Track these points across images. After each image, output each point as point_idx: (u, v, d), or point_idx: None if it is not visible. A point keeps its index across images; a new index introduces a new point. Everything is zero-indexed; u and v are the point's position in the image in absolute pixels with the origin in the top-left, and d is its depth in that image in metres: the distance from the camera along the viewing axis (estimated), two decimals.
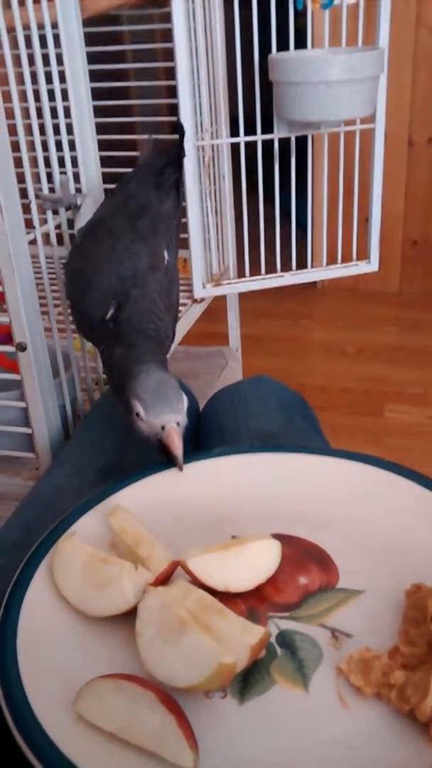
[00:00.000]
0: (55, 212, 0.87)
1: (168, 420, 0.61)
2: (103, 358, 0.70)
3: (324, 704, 0.45)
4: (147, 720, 0.42)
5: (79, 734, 0.43)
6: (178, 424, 0.61)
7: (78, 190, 0.89)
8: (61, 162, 0.85)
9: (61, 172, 0.86)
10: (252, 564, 0.53)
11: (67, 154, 0.85)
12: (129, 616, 0.49)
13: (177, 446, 0.61)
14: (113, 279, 0.69)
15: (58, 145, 0.85)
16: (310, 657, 0.48)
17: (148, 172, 0.80)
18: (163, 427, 0.61)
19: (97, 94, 0.93)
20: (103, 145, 0.98)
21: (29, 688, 0.45)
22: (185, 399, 0.62)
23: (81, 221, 0.84)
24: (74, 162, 0.87)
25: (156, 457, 0.63)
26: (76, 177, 0.88)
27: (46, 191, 0.85)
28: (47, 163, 0.83)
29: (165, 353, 0.69)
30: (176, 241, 0.78)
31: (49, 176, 0.85)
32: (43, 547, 0.56)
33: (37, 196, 0.83)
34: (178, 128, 0.89)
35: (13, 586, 0.52)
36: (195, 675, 0.43)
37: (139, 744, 0.42)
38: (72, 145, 0.86)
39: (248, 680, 0.47)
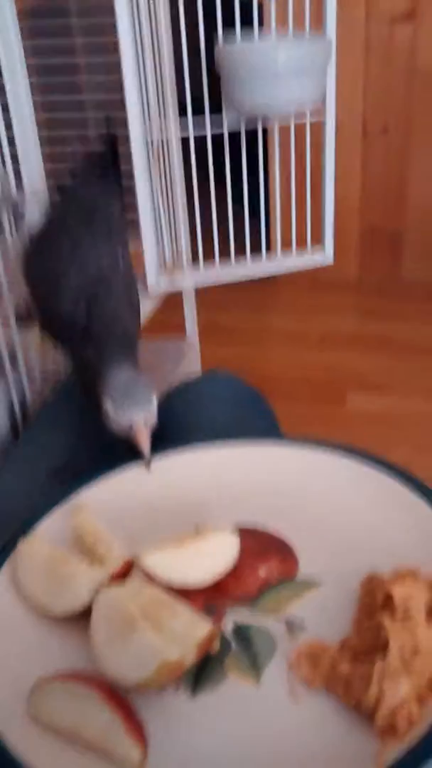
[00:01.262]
0: None
1: (135, 419, 0.61)
2: (71, 358, 0.70)
3: (275, 697, 0.46)
4: (94, 719, 0.43)
5: (30, 732, 0.44)
6: (146, 422, 0.61)
7: (20, 188, 0.87)
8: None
9: None
10: (208, 558, 0.53)
11: (6, 149, 0.83)
12: (89, 615, 0.49)
13: (143, 444, 0.62)
14: (80, 279, 0.69)
15: None
16: (263, 650, 0.48)
17: (91, 179, 0.81)
18: (131, 426, 0.61)
19: (43, 88, 0.91)
20: (49, 141, 0.96)
21: None
22: (154, 398, 0.62)
23: (27, 221, 0.83)
24: (14, 159, 0.85)
25: (110, 455, 0.62)
26: (17, 174, 0.86)
27: None
28: None
29: (135, 353, 0.69)
30: (127, 243, 0.78)
31: None
32: (6, 548, 0.56)
33: None
34: (106, 123, 0.87)
35: None
36: (141, 672, 0.44)
37: (88, 742, 0.43)
38: (12, 141, 0.84)
39: (201, 674, 0.47)
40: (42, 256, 0.74)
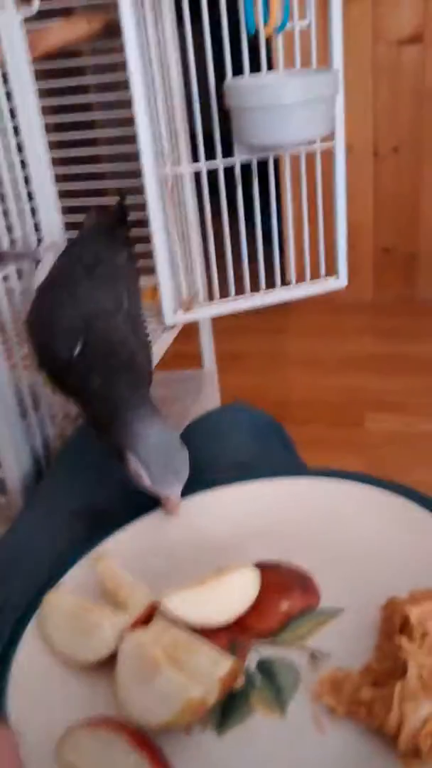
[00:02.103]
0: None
1: (173, 494, 0.61)
2: (75, 396, 0.69)
3: (300, 728, 0.46)
4: (121, 763, 0.43)
5: None
6: (180, 495, 0.62)
7: (39, 242, 0.89)
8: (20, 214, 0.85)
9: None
10: (229, 596, 0.54)
11: (26, 205, 0.85)
12: (114, 661, 0.50)
13: (173, 514, 0.62)
14: (76, 319, 0.69)
15: (17, 197, 0.84)
16: (288, 682, 0.49)
17: (96, 233, 0.83)
18: (166, 497, 0.61)
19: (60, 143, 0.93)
20: (66, 194, 0.98)
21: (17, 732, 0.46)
22: (188, 462, 0.62)
23: (42, 272, 0.84)
24: (33, 212, 0.87)
25: (132, 495, 0.62)
26: (36, 227, 0.88)
27: (5, 246, 0.85)
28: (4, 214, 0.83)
29: (147, 385, 0.68)
30: (136, 291, 0.79)
31: (8, 229, 0.84)
32: (33, 602, 0.57)
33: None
34: (119, 193, 0.93)
35: (7, 643, 0.54)
36: (166, 712, 0.45)
37: None
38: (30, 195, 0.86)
39: (227, 711, 0.48)
40: (39, 305, 0.75)
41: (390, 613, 0.49)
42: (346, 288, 1.15)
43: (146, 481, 0.60)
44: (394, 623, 0.48)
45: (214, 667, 0.47)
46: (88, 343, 0.67)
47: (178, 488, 0.61)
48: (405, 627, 0.47)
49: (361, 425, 1.84)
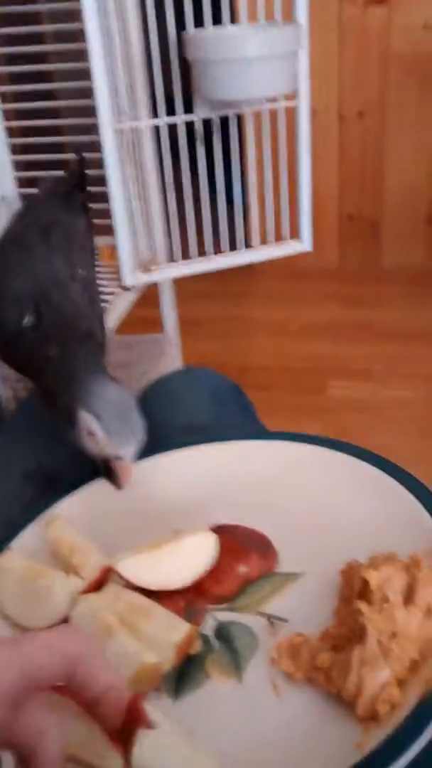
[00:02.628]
0: None
1: (127, 452, 0.57)
2: (24, 367, 0.65)
3: (258, 693, 0.45)
4: (74, 729, 0.42)
5: None
6: (134, 456, 0.57)
7: None
8: None
9: None
10: (186, 560, 0.53)
11: None
12: None
13: (124, 478, 0.57)
14: (28, 285, 0.65)
15: None
16: (245, 647, 0.48)
17: (53, 197, 0.79)
18: (118, 456, 0.57)
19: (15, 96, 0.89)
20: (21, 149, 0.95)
21: None
22: (144, 425, 0.58)
23: None
24: None
25: (84, 458, 0.60)
26: None
27: None
28: None
29: (103, 357, 0.65)
30: (92, 260, 0.76)
31: None
32: None
33: None
34: (77, 154, 0.88)
35: None
36: None
37: (70, 753, 0.42)
38: None
39: (182, 677, 0.47)
40: None
41: (349, 577, 0.49)
42: (310, 254, 1.13)
43: (100, 437, 0.56)
44: (354, 588, 0.47)
45: (169, 632, 0.47)
46: (43, 313, 0.63)
47: (133, 449, 0.57)
48: (364, 592, 0.46)
49: (323, 392, 1.85)
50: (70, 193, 0.81)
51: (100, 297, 0.73)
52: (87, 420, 0.56)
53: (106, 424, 0.56)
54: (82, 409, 0.56)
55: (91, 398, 0.57)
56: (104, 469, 0.58)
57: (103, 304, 0.73)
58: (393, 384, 1.83)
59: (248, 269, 2.37)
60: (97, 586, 0.52)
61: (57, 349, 0.61)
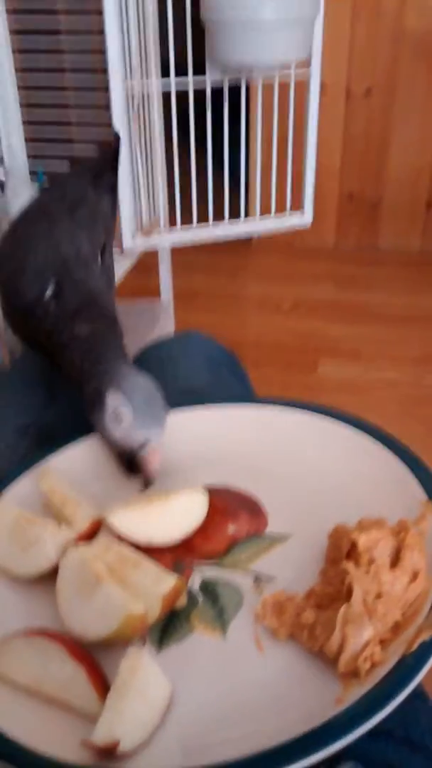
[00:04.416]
0: None
1: (152, 442, 0.56)
2: (43, 344, 0.64)
3: (241, 648, 0.46)
4: (57, 672, 0.43)
5: None
6: (159, 446, 0.57)
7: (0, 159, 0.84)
8: None
9: None
10: (176, 517, 0.53)
11: None
12: (56, 575, 0.49)
13: (151, 469, 0.57)
14: (51, 257, 0.64)
15: None
16: (230, 603, 0.49)
17: (84, 173, 0.78)
18: (141, 445, 0.56)
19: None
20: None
21: None
22: (167, 416, 0.58)
23: (11, 207, 0.80)
24: None
25: (80, 413, 0.60)
26: None
27: None
28: None
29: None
30: (112, 243, 0.74)
31: None
32: None
33: None
34: (113, 134, 0.87)
35: None
36: (105, 627, 0.45)
37: (50, 696, 0.43)
38: None
39: (167, 629, 0.47)
40: (12, 237, 0.69)
41: (337, 539, 0.49)
42: (307, 233, 1.13)
43: (127, 418, 0.56)
44: (341, 549, 0.48)
45: (156, 584, 0.47)
46: (64, 287, 0.62)
47: (159, 435, 0.57)
48: (352, 553, 0.47)
49: (315, 371, 1.85)
50: (101, 172, 0.79)
51: (114, 281, 0.73)
52: (116, 400, 0.56)
53: (135, 405, 0.56)
54: (111, 389, 0.56)
55: (122, 381, 0.57)
56: (128, 465, 0.58)
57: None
58: (383, 365, 1.84)
59: (246, 245, 2.37)
60: (88, 536, 0.52)
61: (87, 328, 0.60)
